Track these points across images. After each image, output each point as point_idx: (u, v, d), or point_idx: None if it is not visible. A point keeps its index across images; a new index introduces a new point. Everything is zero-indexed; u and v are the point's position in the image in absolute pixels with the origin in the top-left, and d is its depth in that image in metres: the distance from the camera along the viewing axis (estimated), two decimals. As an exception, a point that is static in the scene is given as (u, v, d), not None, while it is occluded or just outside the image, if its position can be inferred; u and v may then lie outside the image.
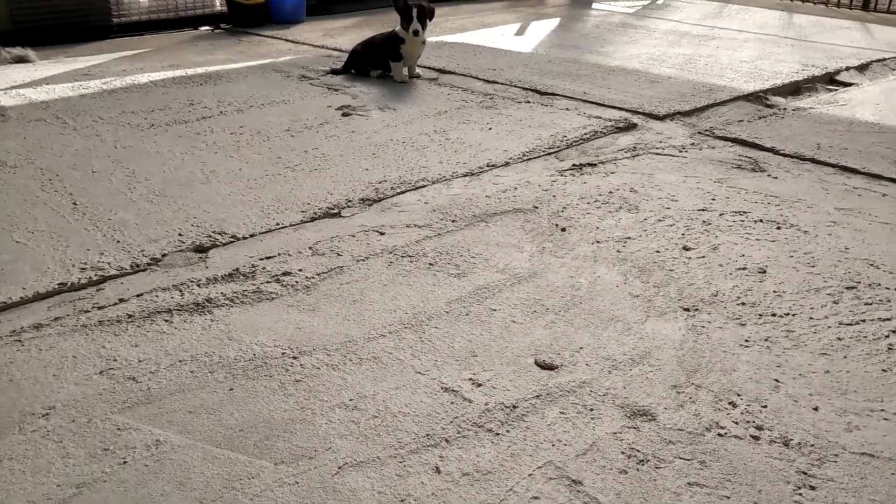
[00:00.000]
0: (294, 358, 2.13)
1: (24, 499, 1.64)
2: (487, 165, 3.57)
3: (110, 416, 1.89)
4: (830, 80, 5.37)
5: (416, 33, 4.89)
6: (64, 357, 2.14)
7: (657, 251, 2.74)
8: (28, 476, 1.70)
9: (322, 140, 3.97)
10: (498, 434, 1.83)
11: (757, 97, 4.76)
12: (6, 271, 2.61)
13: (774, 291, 2.48)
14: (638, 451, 1.79)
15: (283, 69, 5.61)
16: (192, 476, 1.70)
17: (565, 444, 1.80)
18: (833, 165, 3.59)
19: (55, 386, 2.01)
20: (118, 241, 2.82)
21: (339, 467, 1.72)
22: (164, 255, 2.71)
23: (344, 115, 4.40)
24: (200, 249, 2.77)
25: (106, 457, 1.76)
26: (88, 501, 1.63)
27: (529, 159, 3.66)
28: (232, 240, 2.84)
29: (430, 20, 5.00)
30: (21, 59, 6.13)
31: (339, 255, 2.73)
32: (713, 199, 3.20)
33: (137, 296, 2.45)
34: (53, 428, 1.85)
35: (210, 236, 2.85)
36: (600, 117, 4.29)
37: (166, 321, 2.30)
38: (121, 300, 2.43)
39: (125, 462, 1.74)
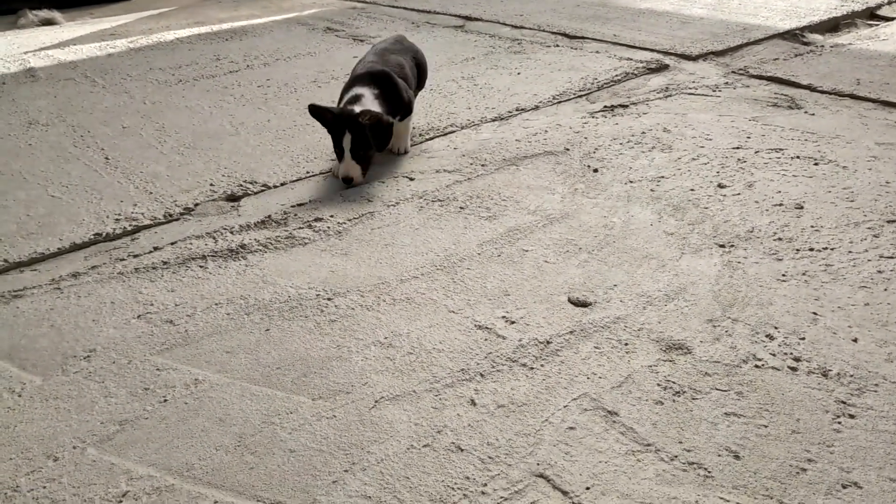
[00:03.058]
0: (328, 299, 2.14)
1: (71, 435, 1.68)
2: (517, 109, 3.52)
3: (149, 357, 1.93)
4: (871, 14, 5.19)
5: (346, 181, 2.82)
6: (102, 303, 2.17)
7: (691, 189, 2.70)
8: (73, 414, 1.75)
9: (349, 90, 3.94)
10: (532, 368, 1.83)
11: (793, 35, 4.61)
12: (43, 224, 2.65)
13: (812, 226, 2.43)
14: (674, 382, 1.78)
15: (307, 22, 5.56)
16: (231, 412, 1.72)
17: (600, 378, 1.80)
18: (873, 101, 3.48)
19: (95, 330, 2.05)
20: (151, 193, 2.84)
21: (376, 401, 1.74)
22: (196, 205, 2.73)
23: (370, 65, 4.36)
24: (232, 198, 2.78)
25: (147, 395, 1.79)
26: (131, 437, 1.67)
27: (560, 102, 3.60)
28: (263, 188, 2.85)
29: (387, 144, 2.89)
30: (48, 22, 6.16)
31: (369, 201, 2.73)
32: (748, 137, 3.13)
33: (172, 244, 2.48)
34: (95, 369, 1.89)
35: (241, 185, 2.87)
36: (631, 59, 4.20)
37: (201, 267, 2.33)
38: (155, 248, 2.46)
39: (165, 400, 1.77)
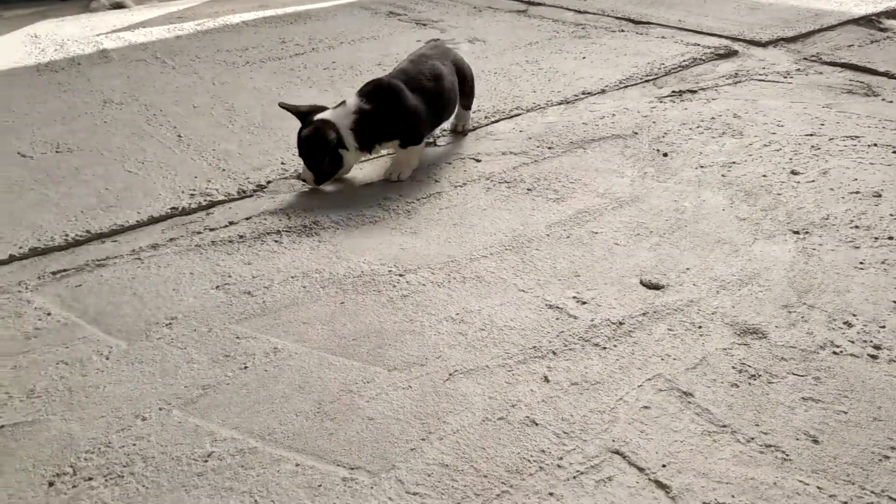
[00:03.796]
0: (400, 275, 2.17)
1: (157, 397, 1.75)
2: (583, 93, 3.50)
3: (229, 325, 1.98)
4: (949, 2, 5.01)
5: (300, 178, 2.75)
6: (181, 273, 2.24)
7: (764, 175, 2.65)
8: (158, 377, 1.81)
9: (413, 73, 3.97)
10: (605, 348, 1.83)
11: (868, 21, 4.48)
12: (121, 198, 2.74)
13: (891, 215, 2.37)
14: (749, 366, 1.76)
15: (370, 6, 5.60)
16: (309, 380, 1.77)
17: (674, 359, 1.79)
18: (954, 89, 3.37)
19: (175, 299, 2.12)
20: (223, 170, 2.91)
21: (450, 374, 1.76)
22: (268, 182, 2.79)
23: (434, 48, 4.38)
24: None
25: (227, 362, 1.85)
26: (214, 402, 1.72)
27: (626, 87, 3.57)
28: (332, 167, 2.89)
29: (322, 162, 2.63)
30: (118, 5, 6.33)
31: (436, 181, 2.75)
32: (822, 124, 3.06)
33: (246, 219, 2.54)
34: (177, 336, 1.96)
35: (311, 164, 2.91)
36: (699, 45, 4.13)
37: (276, 241, 2.38)
38: (230, 223, 2.52)
39: (246, 367, 1.82)
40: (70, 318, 2.07)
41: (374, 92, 2.70)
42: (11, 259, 2.40)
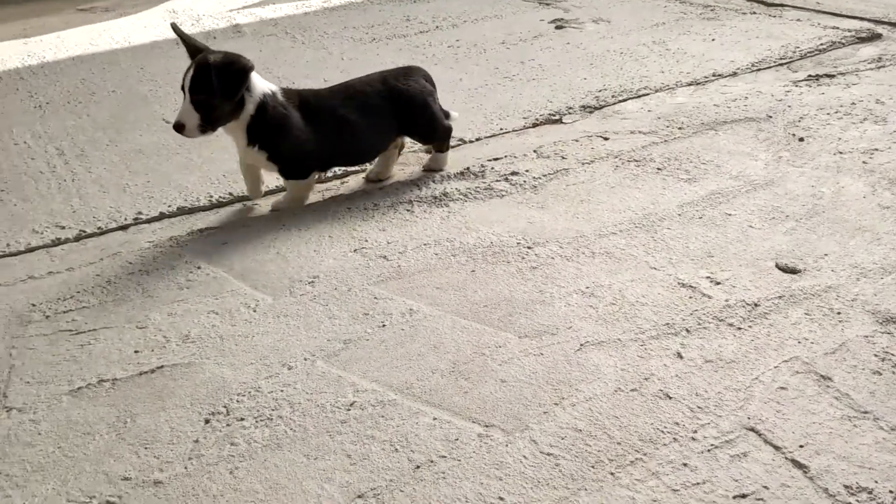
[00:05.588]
0: (528, 248, 2.21)
1: (301, 348, 1.86)
2: (713, 75, 3.42)
3: (367, 286, 2.08)
4: None
5: (176, 128, 2.27)
6: (321, 236, 2.35)
7: (909, 164, 2.54)
8: (302, 330, 1.92)
9: (537, 51, 3.98)
10: (740, 328, 1.82)
11: None
12: (260, 164, 2.89)
13: None
14: (893, 354, 1.71)
15: (492, -14, 5.62)
16: (444, 341, 1.84)
17: (812, 343, 1.76)
18: None
19: (316, 259, 2.23)
20: (355, 141, 3.01)
21: (581, 345, 1.79)
22: (399, 154, 2.87)
23: (557, 27, 4.37)
24: (430, 151, 2.90)
25: (367, 320, 1.94)
26: (355, 356, 1.82)
27: (759, 70, 3.47)
28: (460, 142, 2.95)
29: (235, 96, 2.28)
30: (249, -18, 6.56)
31: (563, 158, 2.76)
32: (976, 113, 2.89)
33: (379, 189, 2.64)
34: (319, 293, 2.07)
35: (439, 138, 2.98)
36: (837, 28, 3.95)
37: (408, 210, 2.46)
38: (364, 192, 2.62)
39: (384, 325, 1.91)
40: (218, 272, 2.22)
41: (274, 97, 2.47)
42: (162, 216, 2.58)
